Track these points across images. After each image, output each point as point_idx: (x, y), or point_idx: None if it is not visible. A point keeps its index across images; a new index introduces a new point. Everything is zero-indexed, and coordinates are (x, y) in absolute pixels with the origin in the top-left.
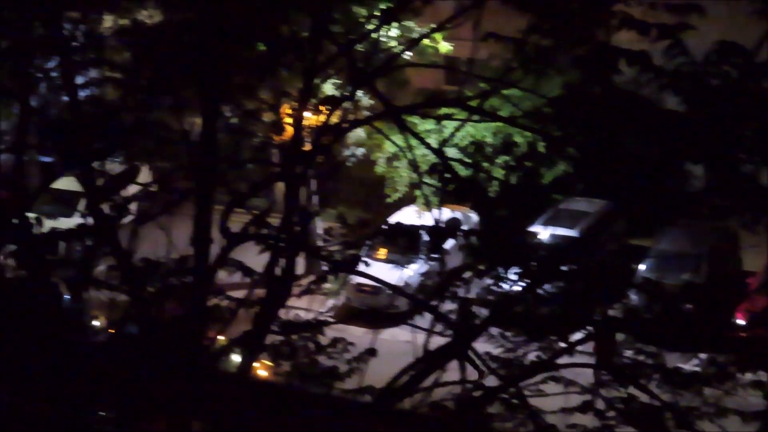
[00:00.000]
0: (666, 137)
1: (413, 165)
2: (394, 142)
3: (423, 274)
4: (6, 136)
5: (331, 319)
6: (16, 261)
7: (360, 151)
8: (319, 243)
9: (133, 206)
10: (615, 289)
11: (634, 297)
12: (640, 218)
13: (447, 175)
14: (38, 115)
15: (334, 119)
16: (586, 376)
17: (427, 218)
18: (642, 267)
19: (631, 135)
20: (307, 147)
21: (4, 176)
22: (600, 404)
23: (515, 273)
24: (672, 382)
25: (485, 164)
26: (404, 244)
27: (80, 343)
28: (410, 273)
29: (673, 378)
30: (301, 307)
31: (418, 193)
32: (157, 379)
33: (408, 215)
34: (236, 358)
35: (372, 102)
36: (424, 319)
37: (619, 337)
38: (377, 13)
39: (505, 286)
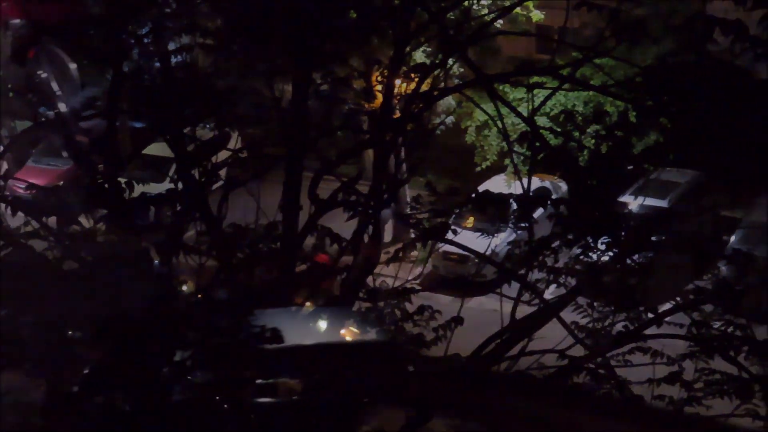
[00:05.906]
0: (760, 107)
1: (503, 133)
2: (484, 111)
3: (511, 243)
4: (98, 101)
5: (418, 287)
6: (106, 225)
7: (450, 119)
8: (408, 210)
9: (222, 172)
10: (705, 261)
11: (724, 268)
12: (732, 189)
13: (537, 144)
14: (131, 81)
15: (425, 87)
16: (674, 347)
17: (517, 187)
18: (733, 238)
19: (724, 105)
20: (397, 114)
21: (96, 141)
22: (687, 376)
23: (604, 243)
24: (761, 354)
25: (575, 133)
26: (493, 212)
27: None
28: (498, 242)
29: (763, 350)
30: (388, 275)
31: (507, 161)
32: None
33: (497, 184)
34: (323, 324)
35: (462, 70)
36: (512, 288)
37: (709, 308)
38: None
39: (594, 256)
